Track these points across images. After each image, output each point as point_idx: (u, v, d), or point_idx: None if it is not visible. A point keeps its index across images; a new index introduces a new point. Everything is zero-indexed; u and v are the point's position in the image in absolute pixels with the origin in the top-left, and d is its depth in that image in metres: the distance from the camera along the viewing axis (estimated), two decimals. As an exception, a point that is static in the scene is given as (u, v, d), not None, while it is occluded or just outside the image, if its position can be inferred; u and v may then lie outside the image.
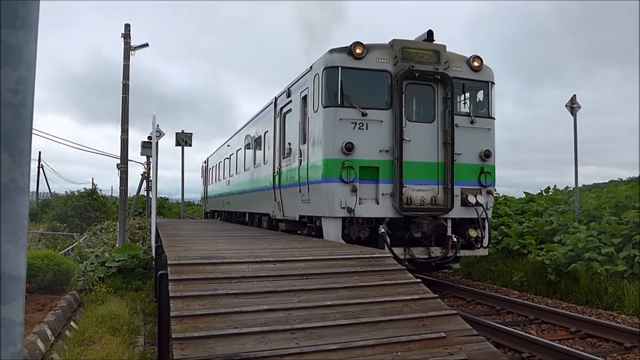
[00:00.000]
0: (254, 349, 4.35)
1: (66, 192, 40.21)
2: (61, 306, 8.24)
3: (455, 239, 10.29)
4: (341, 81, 10.03)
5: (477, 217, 10.56)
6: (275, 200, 13.47)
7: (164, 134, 17.78)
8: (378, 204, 10.03)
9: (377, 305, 5.50)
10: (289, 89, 12.61)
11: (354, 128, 9.99)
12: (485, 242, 10.78)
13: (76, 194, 36.49)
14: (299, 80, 11.94)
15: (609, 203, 13.13)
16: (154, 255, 11.39)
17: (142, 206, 35.28)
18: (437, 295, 5.95)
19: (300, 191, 11.29)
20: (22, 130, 1.58)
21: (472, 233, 10.57)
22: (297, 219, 11.90)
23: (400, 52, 10.27)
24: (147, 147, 22.13)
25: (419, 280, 6.39)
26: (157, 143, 17.06)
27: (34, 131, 1.82)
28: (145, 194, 30.38)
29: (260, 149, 15.92)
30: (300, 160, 11.36)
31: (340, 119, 9.97)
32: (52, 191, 60.87)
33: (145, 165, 26.43)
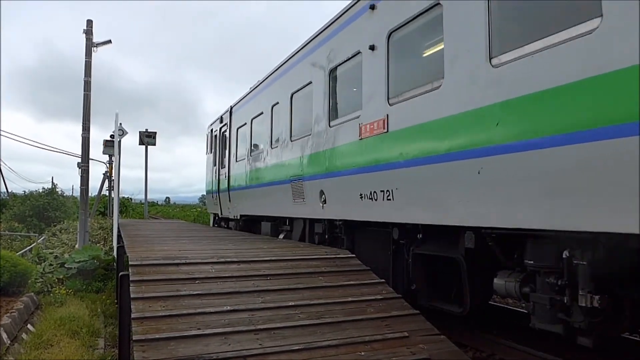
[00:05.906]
0: (217, 350, 4.32)
1: (24, 191, 39.04)
2: (18, 309, 8.04)
3: None
4: None
5: None
6: None
7: (127, 133, 17.53)
8: None
9: (341, 306, 5.54)
10: None
11: None
12: None
13: (35, 193, 35.49)
14: None
15: None
16: (115, 256, 11.21)
17: (104, 206, 34.62)
18: (400, 295, 6.02)
19: None
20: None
21: None
22: None
23: None
24: (110, 145, 21.71)
25: (383, 280, 6.46)
26: (119, 142, 16.76)
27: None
28: (107, 194, 29.85)
29: None
30: None
31: None
32: (9, 190, 59.01)
33: (108, 164, 25.96)
